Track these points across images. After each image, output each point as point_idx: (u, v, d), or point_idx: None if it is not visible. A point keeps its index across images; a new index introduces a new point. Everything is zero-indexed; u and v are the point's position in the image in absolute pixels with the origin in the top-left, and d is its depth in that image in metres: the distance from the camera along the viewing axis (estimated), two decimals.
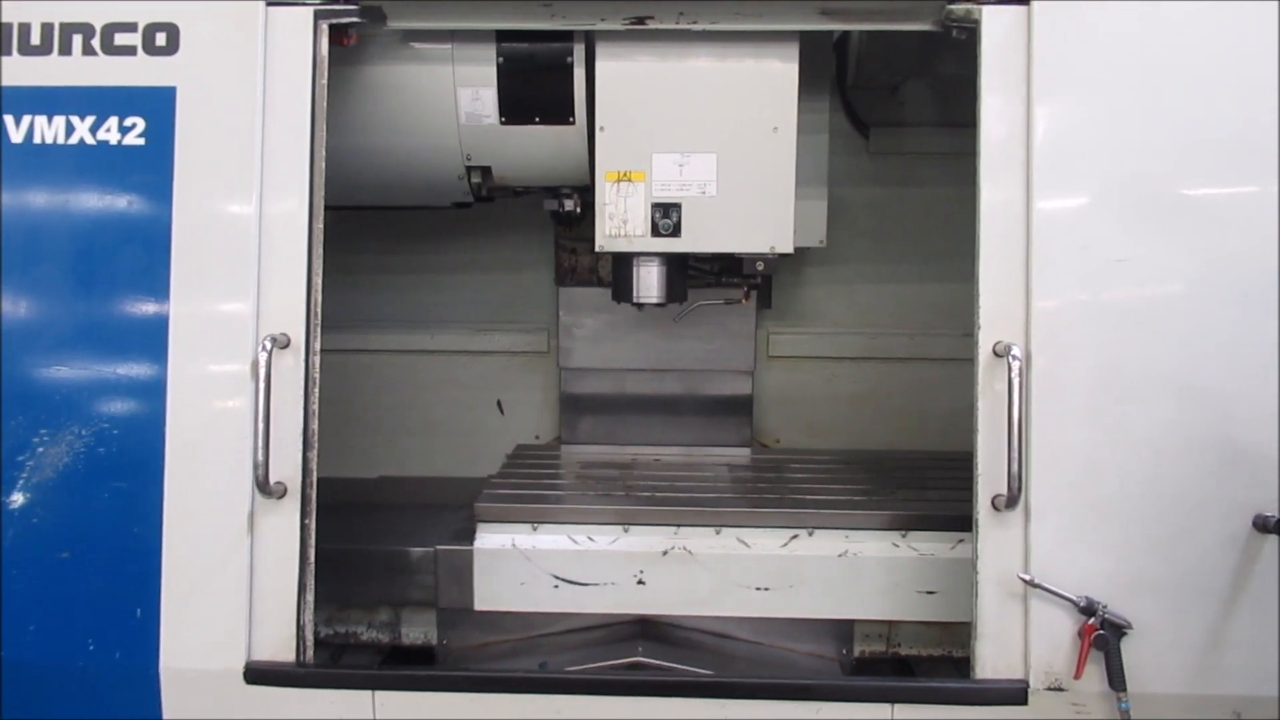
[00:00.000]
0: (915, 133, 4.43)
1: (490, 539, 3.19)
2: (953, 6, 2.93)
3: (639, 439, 4.41)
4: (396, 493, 4.06)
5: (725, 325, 4.39)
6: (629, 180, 3.32)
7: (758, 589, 3.12)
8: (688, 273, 3.82)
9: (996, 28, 2.77)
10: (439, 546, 3.19)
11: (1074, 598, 2.68)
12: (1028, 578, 2.69)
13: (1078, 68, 2.73)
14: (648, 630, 3.34)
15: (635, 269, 3.60)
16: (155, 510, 2.76)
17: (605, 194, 3.35)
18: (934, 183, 4.41)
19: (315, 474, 2.81)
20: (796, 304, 4.57)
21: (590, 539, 3.17)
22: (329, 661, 3.24)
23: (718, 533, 3.18)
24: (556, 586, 3.14)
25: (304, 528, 2.79)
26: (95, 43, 2.77)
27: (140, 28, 2.77)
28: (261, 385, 2.70)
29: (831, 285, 4.55)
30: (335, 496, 3.46)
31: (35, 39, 2.78)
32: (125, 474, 2.76)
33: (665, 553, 3.15)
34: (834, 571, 3.11)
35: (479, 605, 3.17)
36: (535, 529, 3.20)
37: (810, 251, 4.47)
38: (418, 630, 3.42)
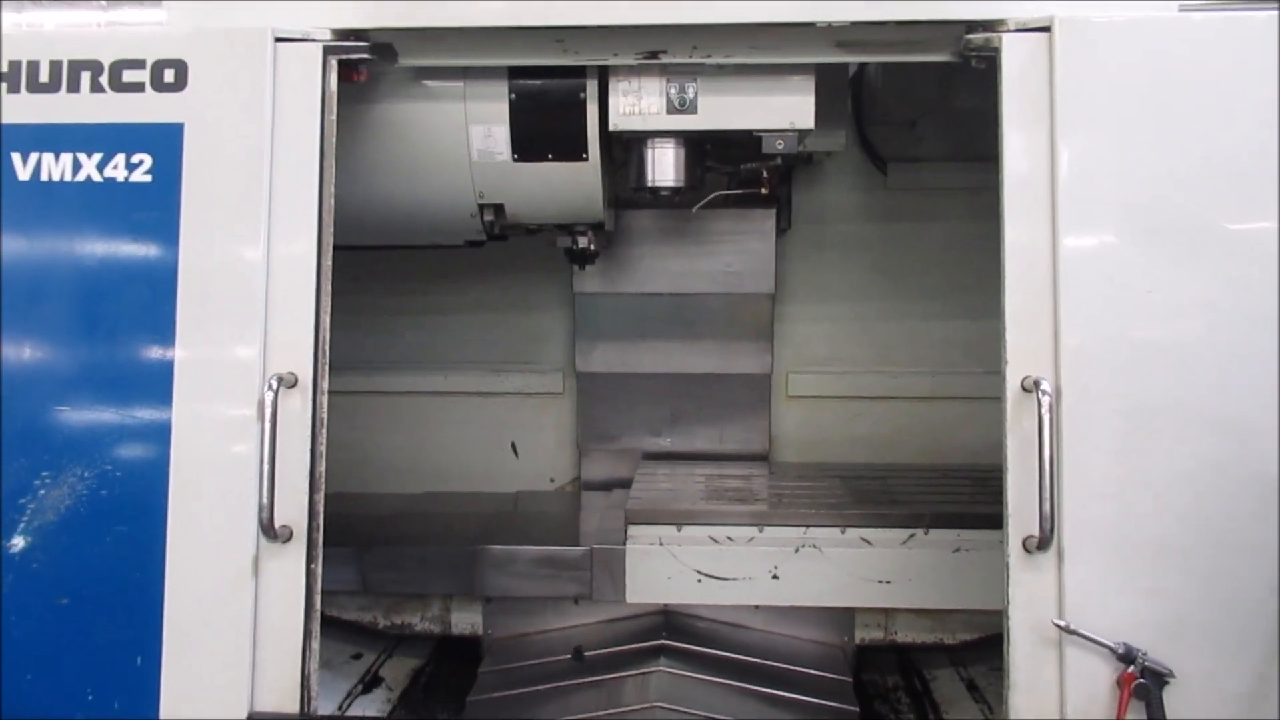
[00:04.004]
0: (933, 168, 4.39)
1: (640, 538, 3.46)
2: (971, 36, 2.87)
3: (656, 366, 4.36)
4: (442, 504, 4.35)
5: (745, 245, 4.31)
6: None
7: (880, 582, 3.36)
8: (705, 165, 3.69)
9: (1017, 56, 2.70)
10: (595, 545, 3.49)
11: (1112, 644, 2.55)
12: (1062, 623, 2.57)
13: (1102, 94, 2.65)
14: (670, 620, 3.65)
15: (650, 151, 3.46)
16: (158, 555, 2.68)
17: (620, 71, 3.22)
18: (953, 217, 4.37)
19: (321, 517, 2.72)
20: (815, 342, 4.50)
21: (729, 538, 3.42)
22: (339, 713, 3.16)
23: (843, 532, 3.41)
24: (700, 581, 3.41)
25: (310, 573, 2.70)
26: (104, 79, 2.74)
27: (149, 64, 2.73)
28: (267, 425, 2.63)
29: (850, 323, 4.49)
30: (389, 505, 4.13)
31: (44, 76, 2.75)
32: (127, 517, 2.68)
33: (797, 550, 3.37)
34: (948, 566, 3.35)
35: (630, 598, 3.47)
36: (680, 529, 3.45)
37: (830, 287, 4.44)
38: (466, 621, 3.74)
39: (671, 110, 3.23)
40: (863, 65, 4.12)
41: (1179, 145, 2.63)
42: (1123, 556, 2.58)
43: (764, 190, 3.86)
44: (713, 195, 3.89)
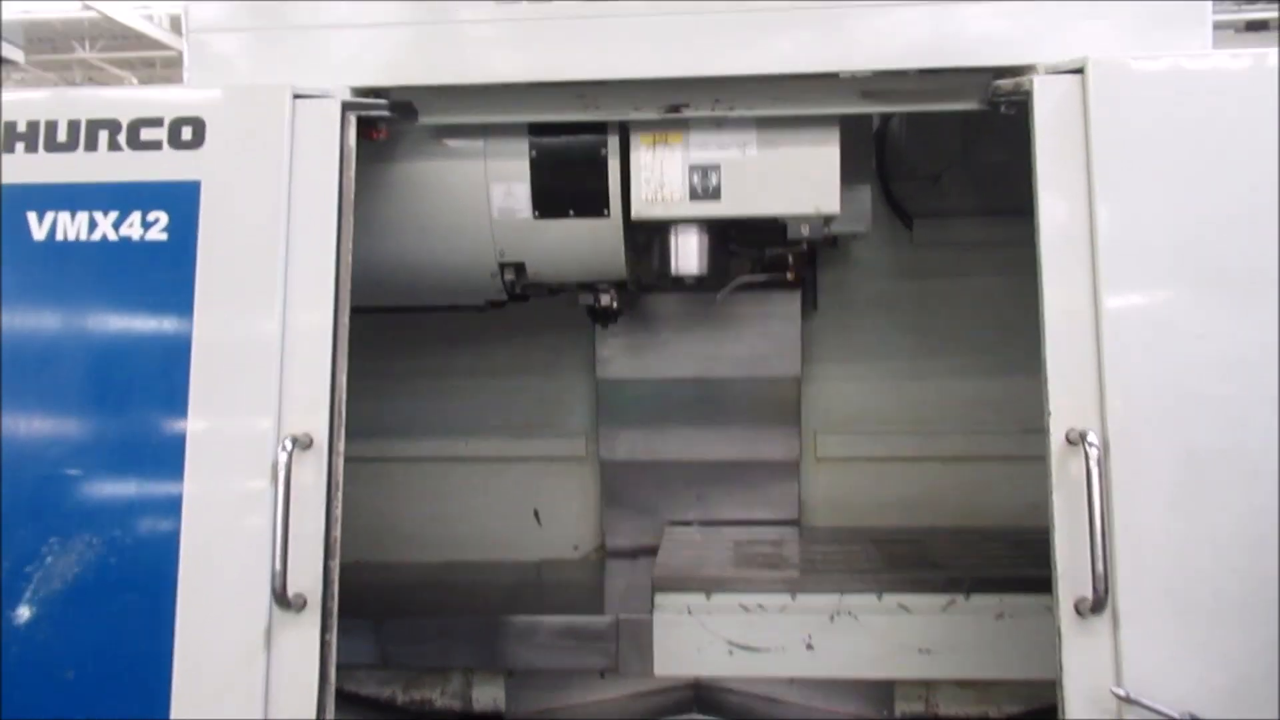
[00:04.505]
0: (960, 223, 4.31)
1: (668, 606, 3.32)
2: (1000, 82, 2.83)
3: (682, 452, 4.23)
4: (463, 574, 4.23)
5: (769, 328, 4.21)
6: (665, 143, 3.17)
7: (920, 651, 3.23)
8: (729, 249, 3.63)
9: (1049, 99, 2.63)
10: (621, 615, 3.40)
11: (1176, 715, 2.37)
12: (1122, 693, 2.40)
13: (1140, 135, 2.57)
14: (701, 694, 3.53)
15: (673, 238, 3.38)
16: (167, 625, 2.56)
17: (640, 157, 3.18)
18: (982, 273, 4.27)
19: (337, 585, 2.61)
20: (843, 402, 4.38)
21: (761, 606, 3.28)
22: None
23: (879, 598, 3.25)
24: (731, 652, 3.27)
25: (324, 644, 2.57)
26: (121, 138, 2.72)
27: (166, 122, 2.71)
28: (281, 488, 2.52)
29: (879, 381, 4.37)
30: (409, 576, 3.97)
31: (62, 135, 2.73)
32: (136, 586, 2.57)
33: (832, 618, 3.23)
34: (991, 633, 3.18)
35: (659, 670, 3.30)
36: (709, 596, 3.29)
37: (857, 345, 4.34)
38: (487, 696, 3.61)
39: (694, 197, 3.19)
40: (885, 120, 4.08)
41: (1222, 187, 2.54)
42: (1183, 618, 2.43)
43: (790, 276, 3.81)
44: (737, 282, 3.83)
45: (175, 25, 15.70)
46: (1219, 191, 2.54)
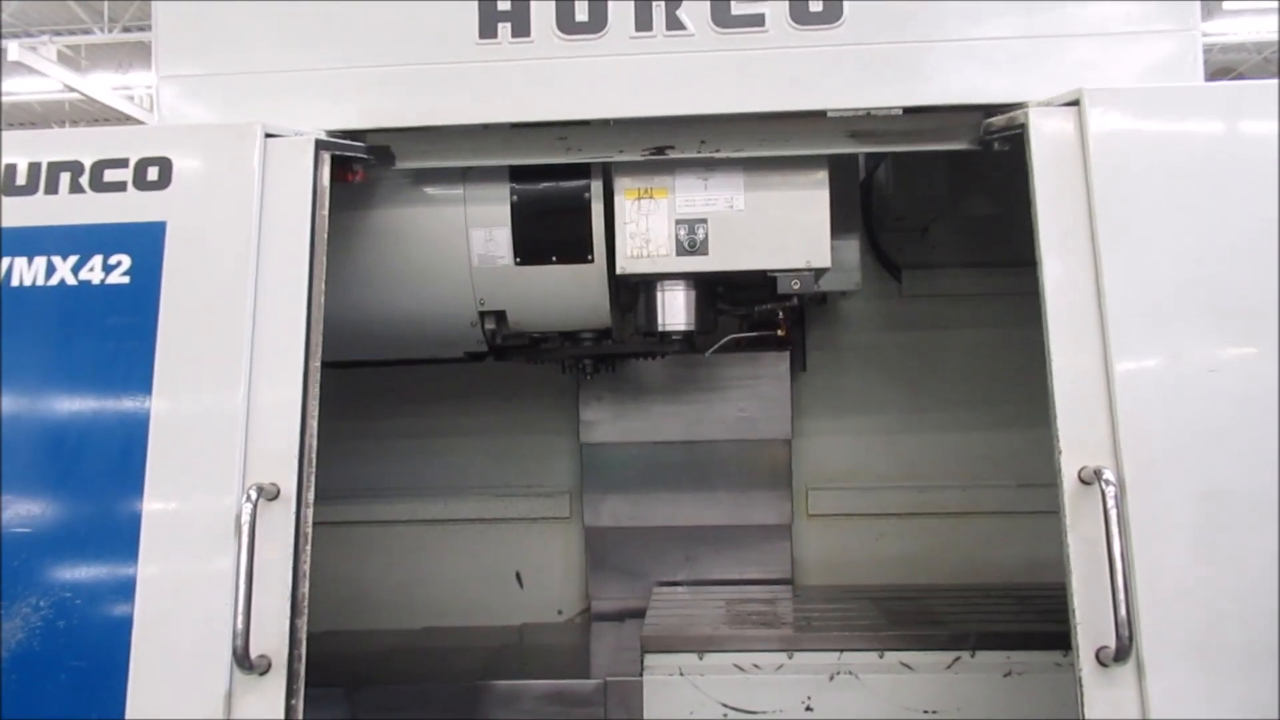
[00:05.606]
0: (949, 274, 4.24)
1: (658, 668, 3.20)
2: (992, 120, 2.77)
3: (669, 518, 4.09)
4: (442, 640, 4.06)
5: (758, 390, 4.11)
6: (650, 197, 3.08)
7: (925, 712, 3.13)
8: (717, 307, 3.54)
9: (1045, 132, 2.55)
10: (609, 678, 3.24)
11: None
12: None
13: (1140, 165, 2.50)
14: None
15: (660, 294, 3.28)
16: (118, 694, 2.36)
17: (625, 212, 3.10)
18: (973, 324, 4.19)
19: (304, 645, 2.41)
20: (835, 456, 4.26)
21: (756, 665, 3.18)
22: None
23: (881, 656, 3.15)
24: (725, 715, 3.17)
25: (290, 709, 2.37)
26: (84, 180, 2.60)
27: (131, 163, 2.59)
28: (244, 541, 2.35)
29: (871, 436, 4.26)
30: (385, 643, 3.88)
31: (21, 179, 2.62)
32: (85, 651, 2.38)
33: (831, 677, 3.14)
34: (1000, 692, 3.06)
35: None
36: (701, 657, 3.19)
37: (848, 398, 4.24)
38: None
39: (681, 252, 3.11)
40: (871, 171, 4.04)
41: (1229, 215, 2.46)
42: (1212, 664, 2.28)
43: (780, 333, 3.73)
44: (726, 339, 3.74)
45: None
46: (1226, 220, 2.46)
